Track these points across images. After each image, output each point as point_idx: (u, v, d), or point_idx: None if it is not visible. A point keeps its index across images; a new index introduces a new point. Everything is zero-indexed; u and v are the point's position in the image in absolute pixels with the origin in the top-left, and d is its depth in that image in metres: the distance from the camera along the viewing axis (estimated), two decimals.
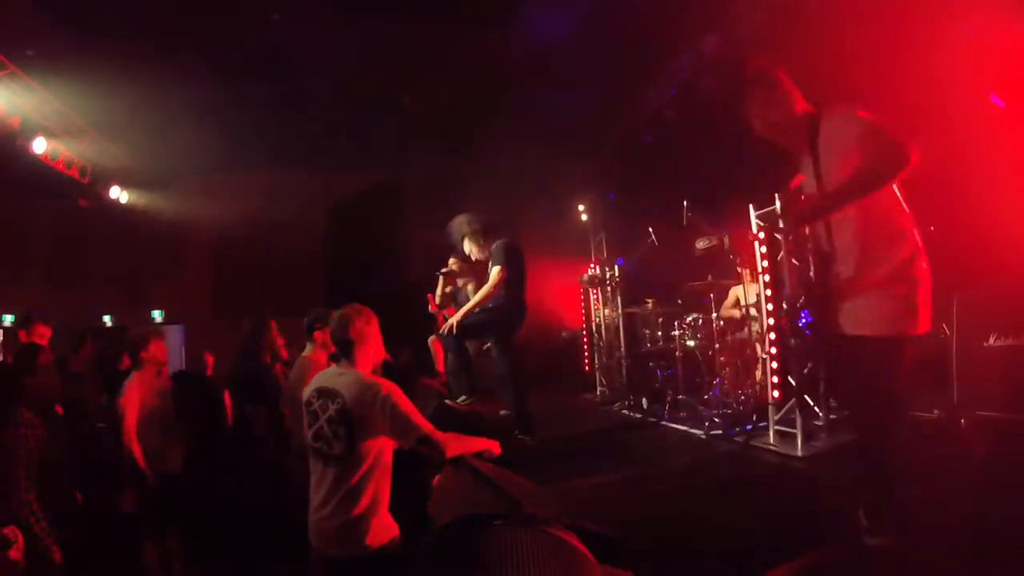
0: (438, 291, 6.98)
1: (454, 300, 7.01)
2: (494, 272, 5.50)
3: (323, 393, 2.99)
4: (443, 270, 6.92)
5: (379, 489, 2.90)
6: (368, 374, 3.05)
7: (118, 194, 11.75)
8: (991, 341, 4.96)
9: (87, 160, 10.27)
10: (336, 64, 8.93)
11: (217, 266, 14.49)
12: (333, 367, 3.21)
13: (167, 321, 14.36)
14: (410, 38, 8.40)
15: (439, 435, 2.92)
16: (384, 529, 2.89)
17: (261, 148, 11.60)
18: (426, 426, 2.90)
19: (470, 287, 6.80)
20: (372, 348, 3.16)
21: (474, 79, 9.45)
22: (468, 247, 6.00)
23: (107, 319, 14.57)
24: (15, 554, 2.73)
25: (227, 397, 8.06)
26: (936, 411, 5.26)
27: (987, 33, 5.22)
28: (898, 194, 2.93)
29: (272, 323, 5.29)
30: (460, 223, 6.03)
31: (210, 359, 8.43)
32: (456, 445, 2.97)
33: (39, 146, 9.07)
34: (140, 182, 12.12)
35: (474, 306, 5.51)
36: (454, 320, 5.47)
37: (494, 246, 5.74)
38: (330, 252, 13.20)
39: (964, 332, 5.17)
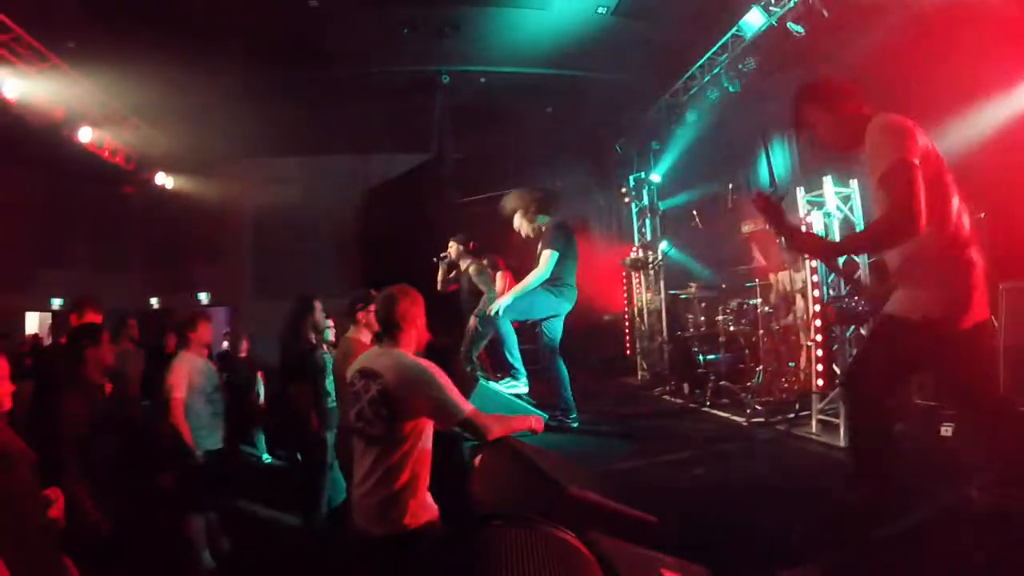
0: (439, 276, 7.08)
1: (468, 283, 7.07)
2: (545, 256, 5.44)
3: (365, 374, 2.98)
4: (441, 255, 7.07)
5: (418, 469, 2.89)
6: (411, 355, 3.03)
7: (163, 180, 12.02)
8: None
9: (132, 147, 10.52)
10: (373, 45, 8.99)
11: (260, 249, 14.75)
12: (376, 348, 3.19)
13: (212, 303, 14.66)
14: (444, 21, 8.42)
15: (481, 417, 2.92)
16: (423, 508, 2.88)
17: (300, 132, 11.76)
18: (468, 408, 2.89)
19: (472, 269, 6.81)
20: (417, 330, 3.14)
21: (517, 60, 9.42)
22: (518, 222, 5.94)
23: (154, 301, 14.93)
24: (55, 512, 2.80)
25: (262, 378, 8.23)
26: None
27: None
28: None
29: (316, 303, 5.32)
30: (514, 197, 5.97)
31: (246, 342, 8.58)
32: (498, 427, 2.97)
33: (85, 135, 9.38)
34: (184, 168, 12.41)
35: (522, 290, 5.46)
36: (501, 303, 5.44)
37: (545, 226, 5.69)
38: (370, 233, 13.28)
39: (1013, 324, 4.99)
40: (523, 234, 5.94)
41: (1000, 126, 5.65)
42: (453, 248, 7.03)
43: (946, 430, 4.84)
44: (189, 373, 4.57)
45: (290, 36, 8.45)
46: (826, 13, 6.92)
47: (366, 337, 4.57)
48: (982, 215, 5.55)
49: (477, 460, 3.28)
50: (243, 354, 8.49)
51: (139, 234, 15.08)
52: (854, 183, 5.68)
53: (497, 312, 5.42)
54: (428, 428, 2.94)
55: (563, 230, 5.62)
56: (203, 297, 14.94)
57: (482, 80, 10.13)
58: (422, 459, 2.91)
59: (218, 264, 14.97)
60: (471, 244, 7.12)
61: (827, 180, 5.55)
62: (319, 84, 9.94)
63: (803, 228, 2.84)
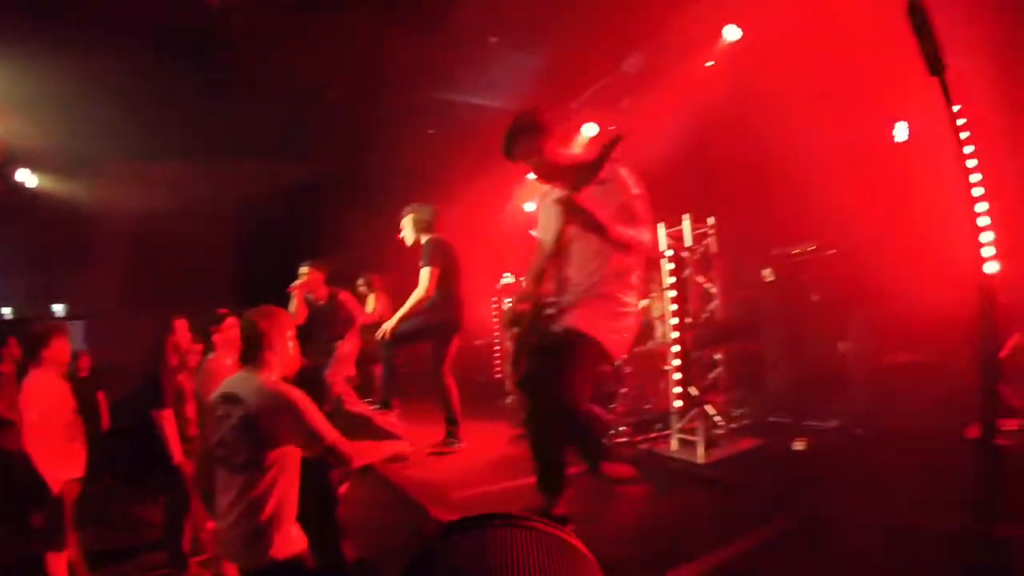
0: (291, 307, 6.70)
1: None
2: (423, 273, 5.48)
3: (228, 399, 2.91)
4: (294, 284, 6.79)
5: (284, 499, 2.84)
6: (274, 380, 2.98)
7: (25, 177, 11.22)
8: (887, 356, 5.36)
9: None
10: (269, 54, 8.78)
11: (130, 259, 13.87)
12: (240, 372, 3.10)
13: (69, 315, 13.72)
14: (351, 32, 8.36)
15: (347, 444, 2.88)
16: (290, 540, 2.84)
17: (183, 136, 11.25)
18: (333, 435, 2.87)
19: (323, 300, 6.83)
20: (281, 353, 3.09)
21: (407, 80, 9.50)
22: (406, 232, 5.94)
23: (6, 311, 13.83)
24: None
25: (102, 398, 7.73)
26: (834, 421, 5.62)
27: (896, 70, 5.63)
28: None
29: (178, 323, 5.10)
30: (410, 207, 5.99)
31: (86, 360, 8.05)
32: (364, 453, 2.97)
33: None
34: (51, 165, 11.58)
35: (407, 311, 5.47)
36: (387, 326, 5.45)
37: (425, 244, 5.73)
38: (250, 246, 12.86)
39: (861, 348, 5.55)
40: (408, 243, 5.96)
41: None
42: (306, 274, 6.82)
43: (799, 444, 5.30)
44: (41, 395, 4.19)
45: (183, 33, 8.12)
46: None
47: (228, 359, 4.37)
48: (832, 251, 6.23)
49: (344, 488, 3.29)
50: (83, 373, 8.04)
51: None
52: (711, 220, 6.12)
53: (384, 337, 5.45)
54: (294, 456, 2.89)
55: (441, 247, 5.68)
56: (59, 308, 13.93)
57: (371, 98, 10.13)
58: (288, 489, 2.85)
59: (83, 273, 14.01)
60: (324, 270, 6.97)
61: (686, 217, 5.94)
62: (207, 87, 9.60)
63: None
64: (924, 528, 3.32)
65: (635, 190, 3.31)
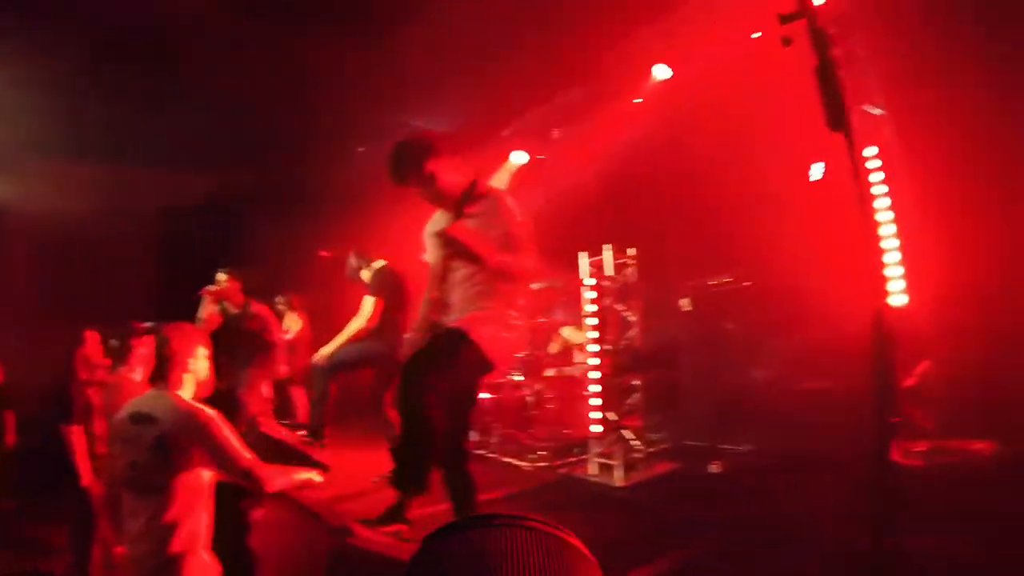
0: (201, 311, 6.52)
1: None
2: (366, 302, 5.40)
3: (139, 418, 2.79)
4: (209, 287, 6.56)
5: (197, 525, 2.74)
6: (188, 399, 2.89)
7: None
8: (798, 384, 5.62)
9: None
10: (207, 60, 8.55)
11: (40, 265, 13.06)
12: (151, 390, 2.99)
13: None
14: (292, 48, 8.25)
15: (262, 468, 2.82)
16: (203, 568, 2.73)
17: (106, 138, 10.74)
18: (249, 458, 2.79)
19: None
20: (195, 372, 2.99)
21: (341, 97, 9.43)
22: (352, 261, 5.88)
23: None
24: None
25: (10, 415, 7.27)
26: (748, 445, 5.84)
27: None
28: None
29: (90, 336, 4.86)
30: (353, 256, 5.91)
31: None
32: (279, 479, 2.89)
33: None
34: None
35: (346, 339, 5.39)
36: (326, 351, 5.34)
37: (373, 271, 5.66)
38: (167, 256, 12.35)
39: (774, 375, 5.81)
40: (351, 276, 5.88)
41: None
42: (224, 280, 6.58)
43: (715, 467, 5.46)
44: None
45: (113, 32, 7.79)
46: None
47: (139, 376, 4.19)
48: (748, 283, 6.52)
49: (259, 514, 3.20)
50: None
51: None
52: (632, 251, 6.30)
53: (319, 363, 5.34)
54: (208, 479, 2.80)
55: (389, 277, 5.63)
56: None
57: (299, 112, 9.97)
58: (200, 515, 2.76)
59: None
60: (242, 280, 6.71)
61: (607, 248, 6.09)
62: (134, 87, 9.23)
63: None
64: (828, 543, 3.50)
65: (519, 218, 3.36)
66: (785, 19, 2.66)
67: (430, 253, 3.51)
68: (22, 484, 6.38)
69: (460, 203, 3.38)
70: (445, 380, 3.08)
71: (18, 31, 7.32)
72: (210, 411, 2.80)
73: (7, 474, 6.36)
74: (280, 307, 8.37)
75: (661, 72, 7.67)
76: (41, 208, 12.08)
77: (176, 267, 11.51)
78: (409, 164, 3.46)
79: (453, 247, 3.13)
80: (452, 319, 3.31)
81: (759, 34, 6.22)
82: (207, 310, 6.40)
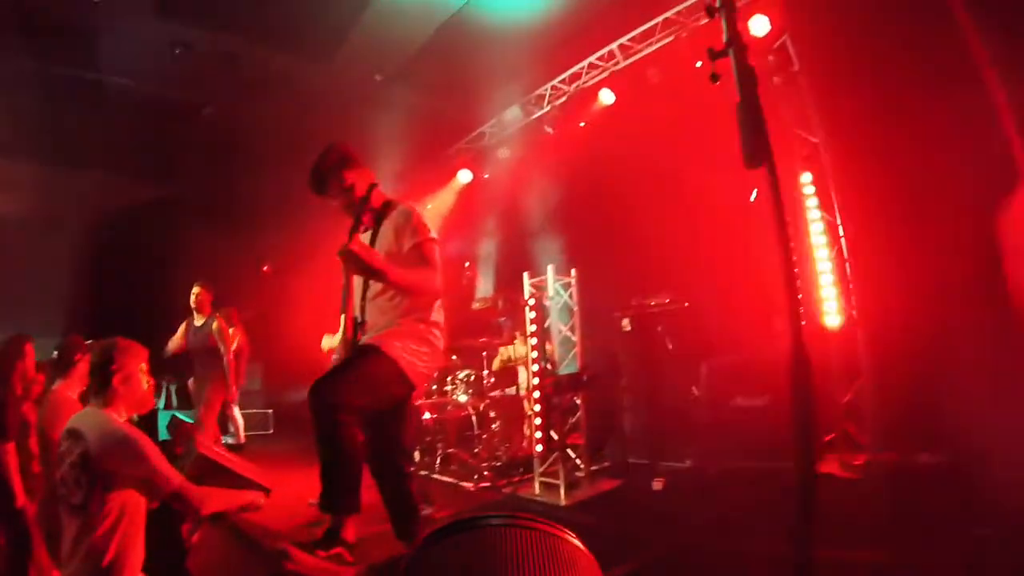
0: (179, 333, 6.59)
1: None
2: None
3: (71, 434, 2.72)
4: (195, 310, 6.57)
5: (127, 545, 2.66)
6: (117, 418, 2.82)
7: None
8: (735, 401, 5.78)
9: None
10: (144, 62, 8.38)
11: None
12: (87, 407, 2.93)
13: None
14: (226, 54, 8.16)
15: (193, 490, 2.76)
16: None
17: (41, 135, 10.35)
18: (178, 480, 2.73)
19: (215, 326, 6.70)
20: (133, 389, 2.93)
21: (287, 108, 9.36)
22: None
23: None
24: None
25: None
26: (688, 461, 5.95)
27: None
28: None
29: (27, 347, 4.66)
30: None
31: None
32: (214, 500, 2.84)
33: None
34: None
35: None
36: None
37: None
38: (105, 264, 11.90)
39: (712, 393, 5.97)
40: None
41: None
42: (199, 291, 6.54)
43: (657, 484, 5.56)
44: None
45: (54, 26, 7.56)
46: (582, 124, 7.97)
47: (75, 392, 4.04)
48: (686, 304, 6.66)
49: (196, 537, 3.14)
50: None
51: None
52: (574, 272, 6.40)
53: None
54: (137, 500, 2.73)
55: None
56: None
57: (243, 119, 9.83)
58: (131, 534, 2.68)
59: None
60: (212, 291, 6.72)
61: (549, 268, 6.18)
62: (74, 86, 8.95)
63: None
64: (761, 555, 3.59)
65: (430, 233, 3.38)
66: (715, 55, 2.71)
67: (342, 270, 3.46)
68: None
69: (358, 212, 3.39)
70: (359, 396, 3.05)
71: None
72: (137, 432, 2.73)
73: None
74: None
75: (607, 97, 7.85)
76: None
77: (111, 276, 11.19)
78: (330, 173, 3.50)
79: (355, 264, 3.06)
80: (368, 337, 3.31)
81: (700, 63, 6.42)
82: (182, 330, 6.46)
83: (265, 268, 5.88)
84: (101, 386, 2.86)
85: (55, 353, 4.18)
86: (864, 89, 5.78)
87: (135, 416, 3.04)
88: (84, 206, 12.07)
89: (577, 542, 0.84)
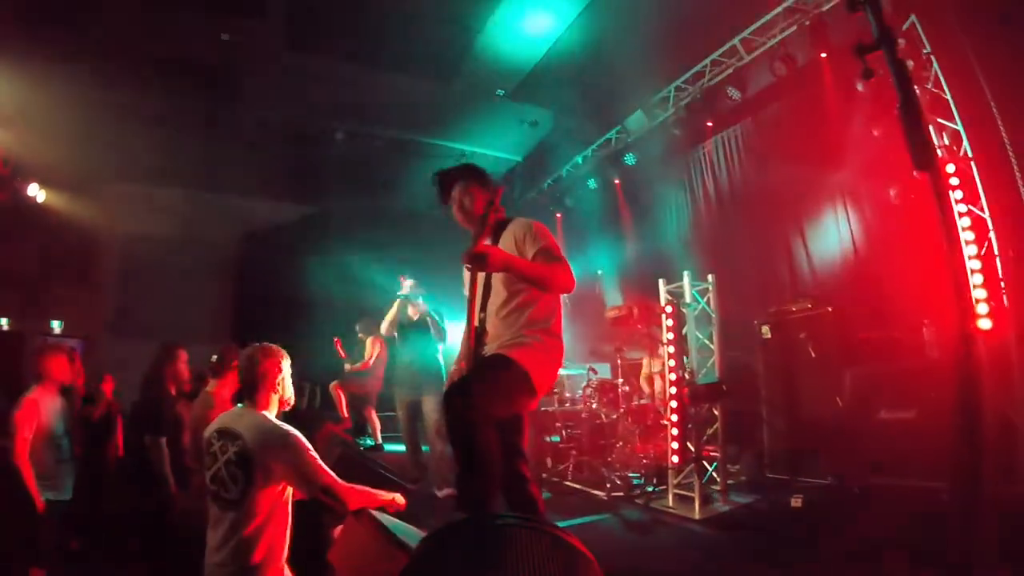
0: (391, 315, 6.49)
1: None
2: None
3: (224, 434, 2.90)
4: (401, 293, 6.44)
5: (276, 538, 2.83)
6: (272, 418, 2.99)
7: (36, 192, 11.23)
8: (880, 414, 5.43)
9: (9, 152, 9.80)
10: (277, 93, 8.99)
11: (127, 281, 13.84)
12: (237, 407, 3.11)
13: (66, 332, 13.57)
14: (353, 80, 8.60)
15: (342, 486, 2.88)
16: None
17: (188, 164, 11.42)
18: (329, 477, 2.86)
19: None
20: (279, 391, 3.11)
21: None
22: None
23: (3, 322, 13.65)
24: None
25: (120, 424, 7.68)
26: (829, 478, 5.65)
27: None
28: None
29: (180, 352, 5.08)
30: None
31: (110, 383, 8.00)
32: (359, 497, 2.93)
33: None
34: (60, 183, 11.61)
35: None
36: None
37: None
38: (247, 280, 12.91)
39: (856, 404, 5.64)
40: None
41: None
42: (409, 287, 6.45)
43: (796, 501, 5.32)
44: (40, 410, 4.21)
45: (194, 65, 8.31)
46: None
47: (228, 393, 4.34)
48: (829, 309, 6.34)
49: (337, 531, 3.27)
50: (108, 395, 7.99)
51: None
52: (711, 277, 6.24)
53: None
54: (288, 495, 2.89)
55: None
56: (56, 325, 13.79)
57: (376, 142, 10.30)
58: (280, 528, 2.85)
59: (77, 291, 13.92)
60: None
61: (686, 274, 6.03)
62: (215, 118, 9.79)
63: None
64: None
65: (552, 238, 3.39)
66: (862, 50, 2.54)
67: (465, 282, 3.55)
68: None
69: (479, 224, 3.39)
70: (493, 404, 3.08)
71: (103, 67, 7.92)
72: (294, 431, 2.90)
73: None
74: (360, 335, 8.63)
75: (733, 94, 7.61)
76: (128, 229, 12.91)
77: (257, 287, 12.03)
78: (457, 179, 3.65)
79: (484, 264, 3.07)
80: (492, 347, 3.33)
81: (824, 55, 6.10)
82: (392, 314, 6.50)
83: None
84: (250, 388, 3.04)
85: (214, 357, 4.50)
86: (1006, 69, 5.29)
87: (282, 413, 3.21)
88: (229, 226, 13.14)
89: (578, 542, 0.83)
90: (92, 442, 5.10)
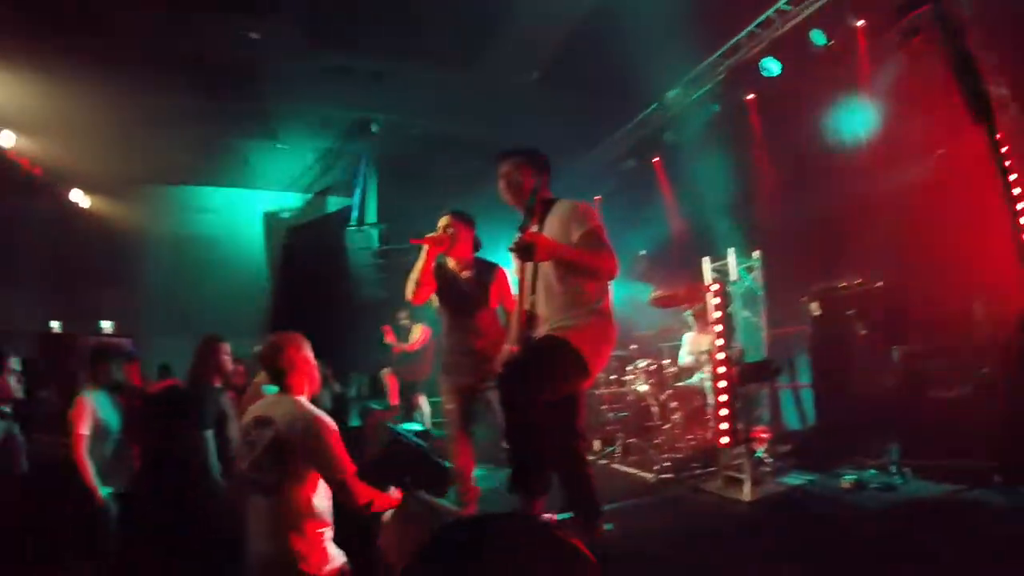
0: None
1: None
2: None
3: (260, 422, 2.96)
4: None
5: (315, 520, 2.87)
6: (304, 403, 3.04)
7: (79, 198, 11.55)
8: (931, 392, 5.30)
9: (51, 159, 10.08)
10: (302, 86, 9.08)
11: (170, 280, 14.22)
12: (272, 394, 3.17)
13: (117, 332, 13.95)
14: (379, 72, 8.68)
15: (357, 483, 2.89)
16: (325, 559, 2.85)
17: (224, 162, 11.64)
18: (348, 470, 2.87)
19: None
20: (305, 376, 3.15)
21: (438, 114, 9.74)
22: None
23: (55, 325, 14.07)
24: None
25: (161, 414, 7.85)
26: (881, 457, 5.52)
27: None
28: None
29: (222, 346, 5.15)
30: None
31: (136, 374, 8.19)
32: (371, 496, 2.96)
33: (6, 140, 8.92)
34: (101, 187, 11.95)
35: None
36: None
37: None
38: (287, 273, 13.13)
39: (906, 383, 5.51)
40: None
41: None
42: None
43: (847, 482, 5.24)
44: (95, 408, 4.39)
45: (225, 65, 8.44)
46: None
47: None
48: (879, 284, 6.16)
49: (387, 516, 3.29)
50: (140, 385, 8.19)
51: (43, 250, 14.22)
52: (756, 254, 6.11)
53: None
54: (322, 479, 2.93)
55: None
56: (106, 325, 14.19)
57: (411, 131, 10.31)
58: (319, 512, 2.89)
59: (123, 292, 14.34)
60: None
61: (731, 251, 5.91)
62: (248, 115, 9.92)
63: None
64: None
65: (597, 219, 3.36)
66: (906, 8, 2.43)
67: (514, 266, 3.58)
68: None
69: (527, 206, 3.44)
70: (547, 386, 3.11)
71: (142, 75, 8.17)
72: (324, 418, 2.93)
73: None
74: (404, 322, 8.69)
75: (772, 66, 7.41)
76: (167, 229, 13.26)
77: (296, 281, 12.23)
78: (513, 157, 3.63)
79: (530, 253, 3.10)
80: (543, 329, 3.33)
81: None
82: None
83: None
84: (278, 375, 3.10)
85: (257, 349, 4.54)
86: None
87: (327, 404, 3.23)
88: (266, 221, 13.58)
89: (578, 543, 0.80)
90: (142, 435, 5.20)
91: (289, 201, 13.69)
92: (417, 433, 5.72)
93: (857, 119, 6.83)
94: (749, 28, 7.46)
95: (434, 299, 4.25)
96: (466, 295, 4.23)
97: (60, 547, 4.30)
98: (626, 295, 8.01)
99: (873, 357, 6.07)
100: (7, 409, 3.65)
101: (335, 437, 2.89)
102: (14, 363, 3.85)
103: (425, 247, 4.01)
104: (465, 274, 4.25)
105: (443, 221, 4.20)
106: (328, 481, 2.88)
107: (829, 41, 6.71)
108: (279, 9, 7.30)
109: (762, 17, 7.27)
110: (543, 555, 0.69)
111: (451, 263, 4.28)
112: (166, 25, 7.48)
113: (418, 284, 4.05)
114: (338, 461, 2.85)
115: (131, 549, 4.54)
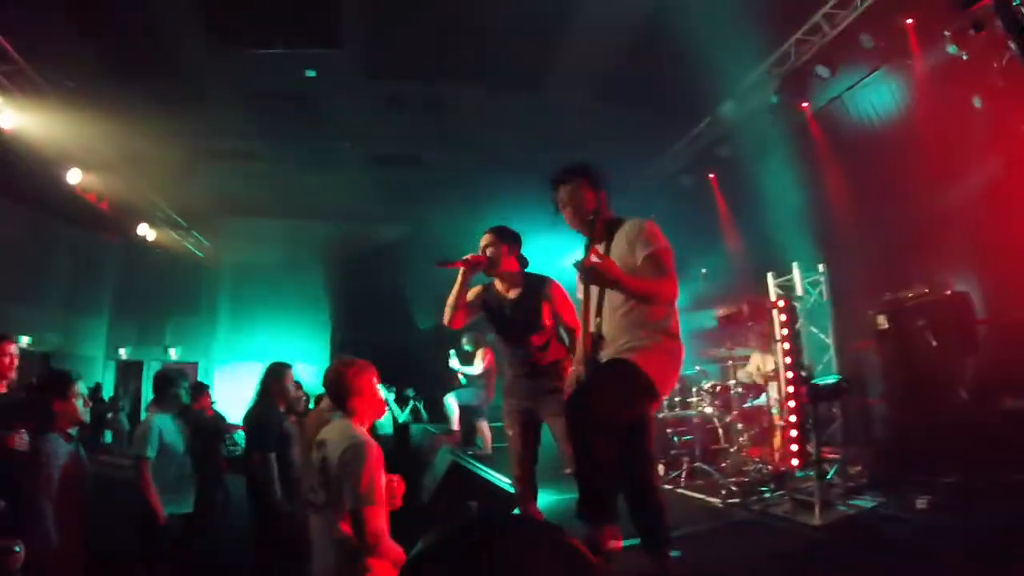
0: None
1: None
2: None
3: (319, 444, 3.01)
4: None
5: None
6: (357, 428, 3.04)
7: (145, 231, 11.99)
8: (1005, 403, 5.06)
9: (117, 195, 10.48)
10: (360, 120, 9.30)
11: (234, 309, 14.71)
12: (335, 419, 3.20)
13: (183, 359, 14.45)
14: (434, 99, 8.79)
15: (374, 520, 2.79)
16: (387, 571, 2.79)
17: (284, 194, 11.95)
18: (368, 504, 2.78)
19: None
20: (367, 401, 3.15)
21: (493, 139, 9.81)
22: None
23: (123, 352, 14.66)
24: (13, 564, 2.76)
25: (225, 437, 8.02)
26: (956, 476, 5.26)
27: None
28: None
29: (285, 371, 5.24)
30: None
31: (207, 398, 8.41)
32: (382, 538, 2.83)
33: (73, 176, 9.21)
34: (165, 221, 12.41)
35: None
36: None
37: None
38: (348, 301, 13.40)
39: (979, 395, 5.30)
40: None
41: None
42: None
43: (921, 503, 5.02)
44: (160, 432, 4.50)
45: (283, 101, 8.66)
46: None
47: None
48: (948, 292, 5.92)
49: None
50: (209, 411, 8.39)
51: (114, 282, 14.88)
52: (822, 267, 5.93)
53: None
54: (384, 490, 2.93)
55: None
56: (173, 352, 14.75)
57: (463, 159, 10.41)
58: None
59: (189, 320, 14.89)
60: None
61: (795, 265, 5.77)
62: (306, 148, 10.17)
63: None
64: None
65: (664, 242, 3.28)
66: (968, 2, 2.32)
67: (578, 287, 3.53)
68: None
69: (591, 226, 3.40)
70: (616, 410, 3.06)
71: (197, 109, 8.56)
72: (372, 447, 2.90)
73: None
74: (467, 348, 8.70)
75: (823, 72, 7.23)
76: (233, 260, 13.68)
77: (357, 307, 12.44)
78: (574, 175, 3.52)
79: (594, 277, 3.06)
80: (609, 351, 3.27)
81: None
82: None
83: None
84: (339, 399, 3.13)
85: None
86: None
87: (388, 429, 3.23)
88: (328, 250, 14.13)
89: (578, 544, 0.76)
90: (205, 457, 5.35)
91: (349, 230, 13.98)
92: (478, 457, 5.70)
93: (915, 122, 6.60)
94: (796, 36, 7.29)
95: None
96: (512, 321, 4.08)
97: (124, 567, 4.43)
98: (689, 314, 7.93)
99: (946, 370, 5.81)
100: (74, 432, 3.77)
101: (372, 465, 2.85)
102: (81, 387, 3.99)
103: (460, 270, 3.91)
104: (512, 294, 4.08)
105: (484, 240, 4.08)
106: (347, 505, 2.82)
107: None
108: (340, 45, 7.47)
109: (808, 23, 7.09)
110: (545, 556, 0.67)
111: (499, 284, 4.12)
112: (228, 64, 7.78)
113: (454, 309, 3.97)
114: (361, 490, 2.79)
115: (192, 568, 4.67)
